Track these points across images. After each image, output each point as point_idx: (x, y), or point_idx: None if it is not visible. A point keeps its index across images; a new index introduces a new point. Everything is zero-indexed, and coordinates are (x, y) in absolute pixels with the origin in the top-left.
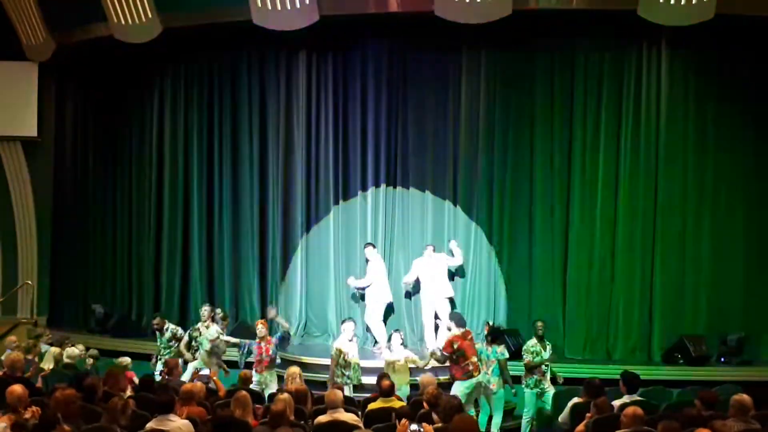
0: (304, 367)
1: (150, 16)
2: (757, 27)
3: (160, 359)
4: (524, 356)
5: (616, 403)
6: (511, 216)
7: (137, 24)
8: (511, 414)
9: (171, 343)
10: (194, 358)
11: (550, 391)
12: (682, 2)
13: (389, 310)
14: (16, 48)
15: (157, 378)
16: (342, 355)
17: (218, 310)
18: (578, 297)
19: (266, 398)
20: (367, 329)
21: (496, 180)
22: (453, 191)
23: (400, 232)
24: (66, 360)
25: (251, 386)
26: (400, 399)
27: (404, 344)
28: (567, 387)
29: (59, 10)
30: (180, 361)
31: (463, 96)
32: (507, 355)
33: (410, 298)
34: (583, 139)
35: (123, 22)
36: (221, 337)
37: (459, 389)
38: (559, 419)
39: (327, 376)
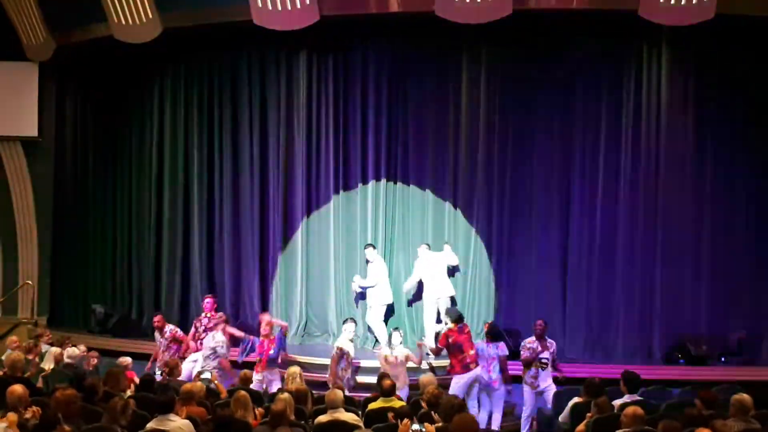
0: (304, 367)
1: (150, 16)
2: (757, 27)
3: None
4: (521, 352)
5: (617, 402)
6: (511, 216)
7: (137, 24)
8: (511, 414)
9: (171, 345)
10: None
11: (551, 389)
12: (682, 2)
13: (389, 311)
14: (16, 48)
15: (158, 378)
16: (344, 356)
17: (220, 314)
18: (578, 297)
19: (269, 396)
20: (369, 329)
21: (496, 179)
22: (453, 191)
23: (401, 232)
24: (66, 360)
25: (252, 386)
26: (400, 399)
27: (403, 343)
28: (567, 387)
29: (59, 10)
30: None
31: (463, 96)
32: (507, 353)
33: (411, 306)
34: (583, 139)
35: (123, 22)
36: (222, 348)
37: (458, 383)
38: (560, 419)
39: (327, 376)
